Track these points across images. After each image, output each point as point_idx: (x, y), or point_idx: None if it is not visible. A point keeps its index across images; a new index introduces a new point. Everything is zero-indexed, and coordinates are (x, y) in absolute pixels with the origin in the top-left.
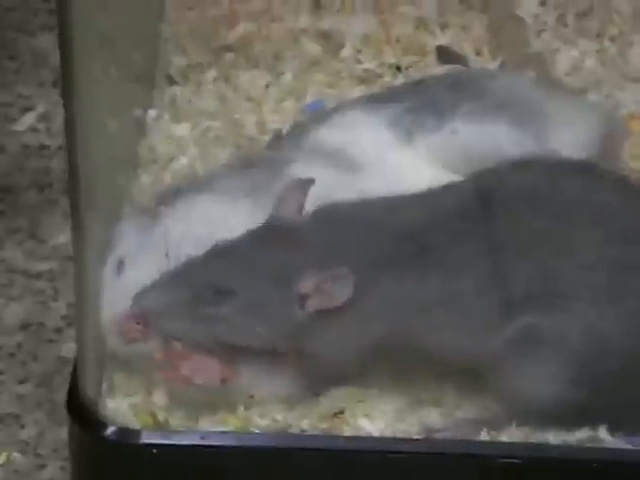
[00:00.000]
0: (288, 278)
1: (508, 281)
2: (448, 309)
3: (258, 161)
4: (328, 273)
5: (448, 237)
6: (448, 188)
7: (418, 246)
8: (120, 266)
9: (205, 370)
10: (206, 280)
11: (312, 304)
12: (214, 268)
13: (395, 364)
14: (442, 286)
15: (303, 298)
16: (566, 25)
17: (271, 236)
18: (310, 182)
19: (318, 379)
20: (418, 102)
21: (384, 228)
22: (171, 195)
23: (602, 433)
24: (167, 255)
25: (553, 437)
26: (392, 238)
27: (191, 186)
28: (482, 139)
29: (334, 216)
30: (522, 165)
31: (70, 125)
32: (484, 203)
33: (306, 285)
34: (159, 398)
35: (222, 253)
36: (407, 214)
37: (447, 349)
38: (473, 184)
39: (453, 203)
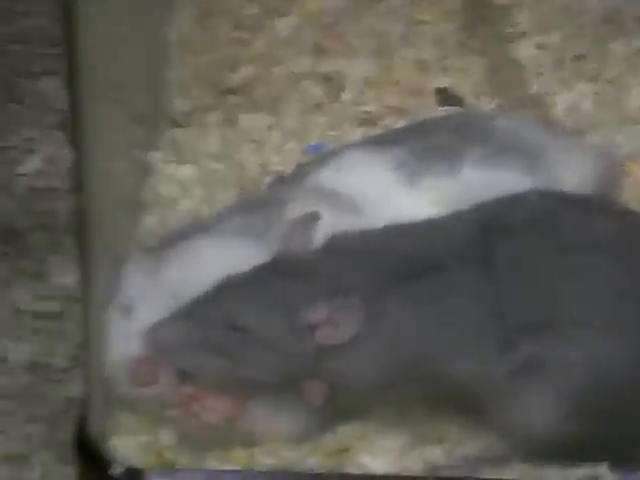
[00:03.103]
0: (299, 311)
1: (511, 309)
2: (453, 336)
3: (261, 202)
4: (338, 302)
5: (453, 264)
6: (453, 217)
7: (423, 273)
8: (127, 309)
9: (214, 408)
10: (218, 315)
11: (322, 335)
12: (226, 302)
13: (401, 397)
14: (447, 313)
15: (313, 328)
16: (563, 68)
17: (280, 270)
18: (316, 216)
19: (327, 413)
20: (422, 145)
21: (391, 256)
22: (176, 237)
23: (602, 470)
24: (173, 298)
25: (554, 474)
26: (398, 266)
27: (195, 228)
28: (489, 184)
29: (342, 247)
30: (524, 196)
31: (77, 167)
32: (487, 232)
33: (315, 315)
34: (166, 437)
35: (233, 287)
36: (412, 242)
37: (451, 377)
38: (477, 213)
39: (458, 231)
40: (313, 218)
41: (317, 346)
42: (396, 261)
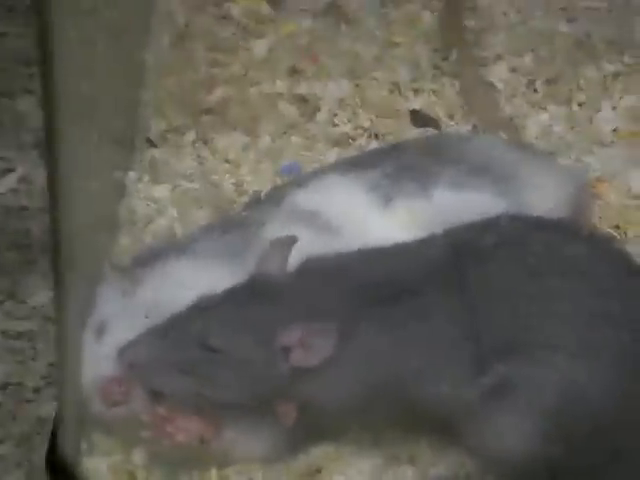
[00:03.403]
0: (272, 333)
1: (484, 333)
2: (426, 359)
3: (236, 223)
4: (312, 326)
5: (426, 288)
6: (426, 241)
7: (397, 297)
8: (100, 329)
9: (187, 429)
10: (192, 335)
11: (295, 357)
12: (200, 323)
13: (374, 419)
14: (420, 336)
15: (286, 351)
16: (535, 91)
17: (255, 292)
18: (293, 240)
19: (300, 434)
20: (396, 167)
21: (365, 279)
22: (150, 257)
23: None
24: (147, 318)
25: None
26: (371, 290)
27: (169, 248)
28: (462, 206)
29: (317, 269)
30: (496, 221)
31: (52, 187)
32: (460, 256)
33: (289, 338)
34: (138, 457)
35: (208, 308)
36: (386, 265)
37: (424, 400)
38: (450, 237)
39: (431, 255)
40: (289, 241)
41: (291, 368)
42: (370, 284)
